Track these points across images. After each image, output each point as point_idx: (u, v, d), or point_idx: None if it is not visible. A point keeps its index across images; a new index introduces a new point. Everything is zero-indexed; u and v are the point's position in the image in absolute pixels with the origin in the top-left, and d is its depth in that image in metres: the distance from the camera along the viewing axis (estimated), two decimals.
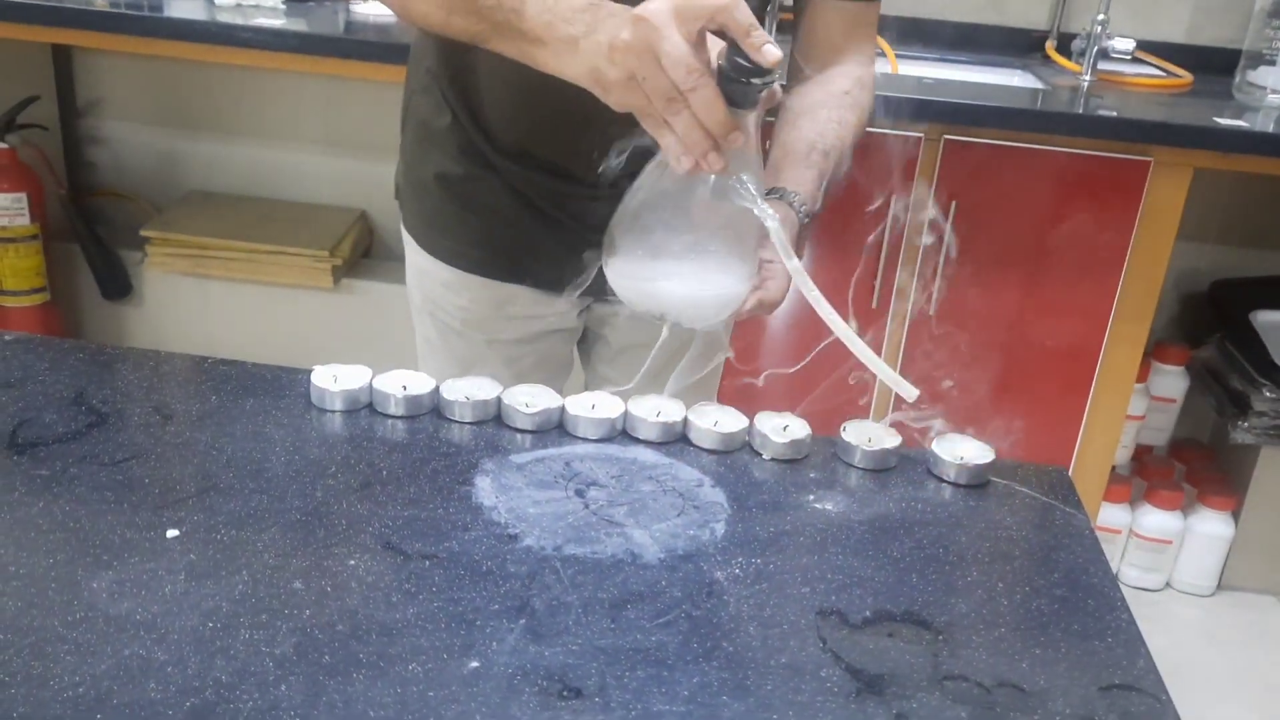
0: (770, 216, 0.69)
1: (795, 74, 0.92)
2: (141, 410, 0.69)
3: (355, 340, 2.02)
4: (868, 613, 0.56)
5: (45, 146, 2.03)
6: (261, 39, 1.64)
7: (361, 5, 1.88)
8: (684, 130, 0.64)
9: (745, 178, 0.68)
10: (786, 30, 0.97)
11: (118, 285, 2.04)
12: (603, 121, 0.68)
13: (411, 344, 1.11)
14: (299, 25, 1.73)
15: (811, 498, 0.67)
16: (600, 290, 1.01)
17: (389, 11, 1.83)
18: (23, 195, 1.91)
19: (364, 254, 2.16)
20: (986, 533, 0.65)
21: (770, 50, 0.62)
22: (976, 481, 0.70)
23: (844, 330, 0.70)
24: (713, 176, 0.68)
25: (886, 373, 0.69)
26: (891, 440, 0.71)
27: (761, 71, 0.63)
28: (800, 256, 0.78)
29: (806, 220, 0.80)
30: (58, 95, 2.13)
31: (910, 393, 0.70)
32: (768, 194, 0.79)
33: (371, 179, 2.14)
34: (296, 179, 2.17)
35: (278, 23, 1.70)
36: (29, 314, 2.00)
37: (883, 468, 0.70)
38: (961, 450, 0.70)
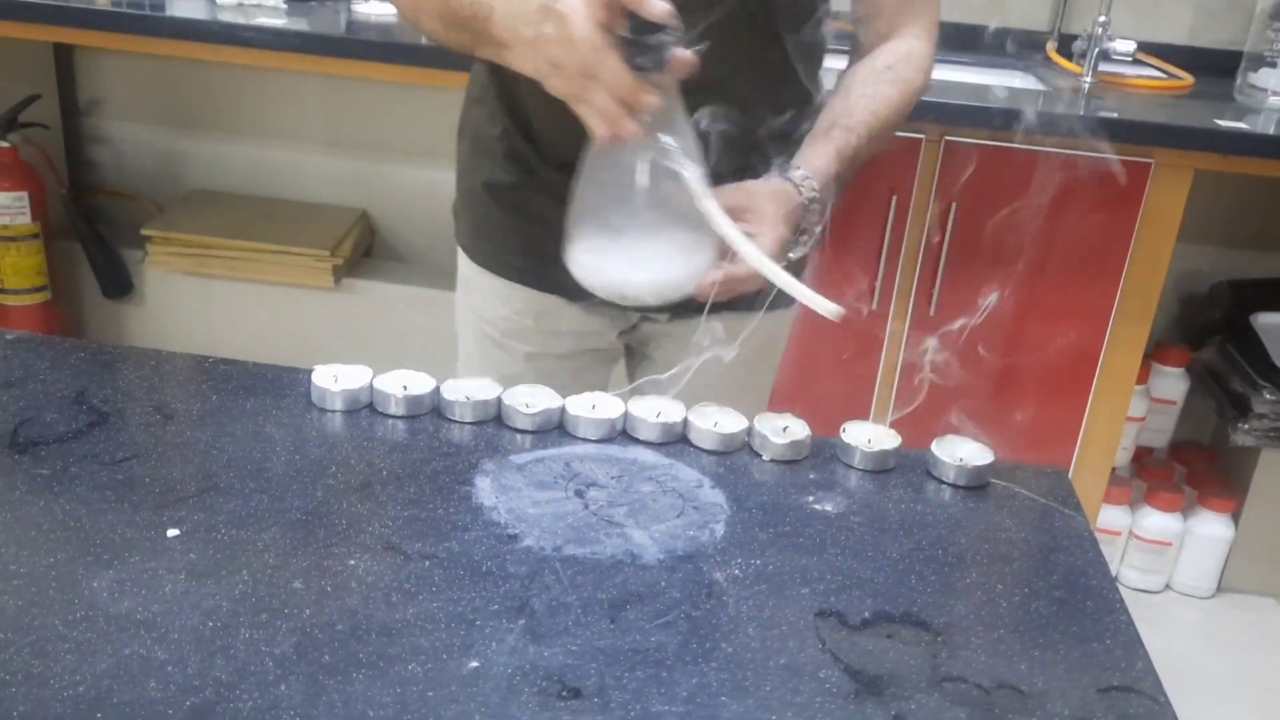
0: (687, 166, 0.69)
1: (854, 51, 0.92)
2: (142, 410, 0.69)
3: (356, 340, 2.02)
4: (867, 614, 0.57)
5: (47, 145, 2.03)
6: (263, 38, 1.64)
7: (363, 5, 1.88)
8: (599, 103, 0.67)
9: (665, 138, 0.69)
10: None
11: (119, 284, 2.04)
12: None
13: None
14: (300, 25, 1.73)
15: (811, 499, 0.67)
16: (650, 308, 1.01)
17: (390, 11, 1.83)
18: (24, 194, 1.91)
19: (365, 253, 2.16)
20: (985, 534, 0.65)
21: (654, 4, 0.64)
22: (976, 483, 0.70)
23: (752, 252, 0.71)
24: (644, 146, 0.69)
25: (802, 292, 0.70)
26: (891, 441, 0.71)
27: (655, 28, 0.65)
28: (811, 234, 0.78)
29: (814, 195, 0.80)
30: (59, 94, 2.14)
31: (831, 309, 0.69)
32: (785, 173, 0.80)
33: (373, 178, 2.14)
34: (298, 178, 2.17)
35: (279, 22, 1.70)
36: (30, 313, 2.00)
37: (882, 469, 0.70)
38: (961, 452, 0.70)
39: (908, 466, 0.71)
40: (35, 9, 1.69)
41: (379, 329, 1.99)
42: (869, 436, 0.71)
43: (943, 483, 0.70)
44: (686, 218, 0.72)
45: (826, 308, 0.69)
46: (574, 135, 0.90)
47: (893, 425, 0.73)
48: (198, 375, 0.75)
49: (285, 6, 1.79)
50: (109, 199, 2.20)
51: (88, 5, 1.69)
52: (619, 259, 0.74)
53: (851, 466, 0.71)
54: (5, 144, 1.92)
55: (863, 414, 1.85)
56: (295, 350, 1.96)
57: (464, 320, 1.05)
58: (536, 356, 1.00)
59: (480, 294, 1.01)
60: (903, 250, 1.77)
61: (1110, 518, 2.02)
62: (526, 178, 0.94)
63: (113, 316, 2.11)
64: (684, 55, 0.68)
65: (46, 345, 0.76)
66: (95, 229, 2.03)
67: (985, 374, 1.86)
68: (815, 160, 0.82)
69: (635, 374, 1.09)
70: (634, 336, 1.04)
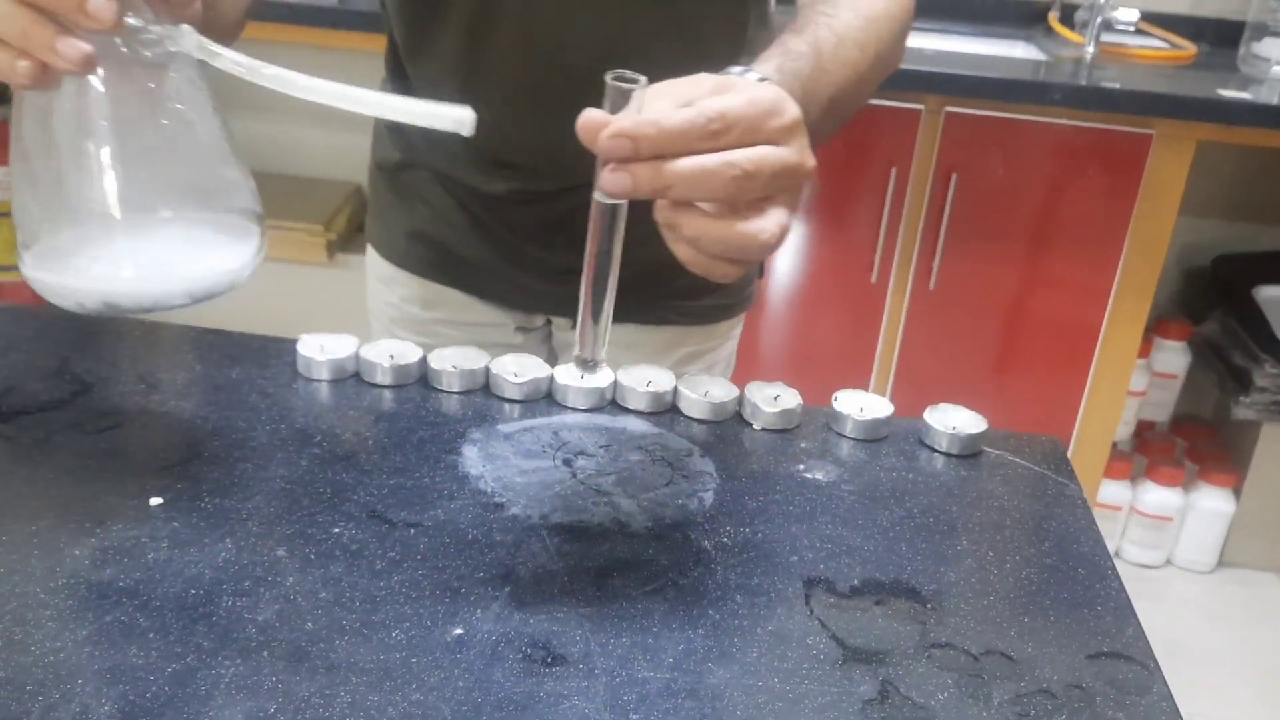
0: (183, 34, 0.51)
1: None
2: (126, 379, 0.68)
3: (349, 314, 2.00)
4: (856, 581, 0.56)
5: None
6: (254, 9, 1.62)
7: None
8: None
9: (133, 18, 0.50)
10: None
11: None
12: (549, 101, 0.61)
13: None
14: None
15: (801, 467, 0.66)
16: (549, 310, 0.93)
17: None
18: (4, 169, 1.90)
19: (359, 228, 2.15)
20: (978, 502, 0.65)
21: None
22: (969, 451, 0.69)
23: (326, 88, 0.51)
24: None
25: (420, 109, 0.49)
26: (884, 410, 0.70)
27: None
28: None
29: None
30: None
31: (462, 121, 0.49)
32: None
33: (366, 152, 2.13)
34: (290, 153, 2.16)
35: None
36: (19, 287, 2.00)
37: (874, 437, 0.70)
38: (954, 420, 0.70)
39: (900, 435, 0.71)
40: None
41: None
42: (861, 405, 0.70)
43: (935, 451, 0.69)
44: (192, 154, 0.54)
45: (458, 119, 0.49)
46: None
47: (894, 395, 0.72)
48: (183, 345, 0.74)
49: None
50: None
51: None
52: (110, 256, 0.52)
53: (843, 435, 0.70)
54: None
55: (863, 386, 1.84)
56: (287, 324, 1.94)
57: (369, 306, 1.01)
58: (430, 348, 0.87)
59: (375, 279, 0.97)
60: (902, 223, 1.76)
61: (1111, 492, 2.02)
62: (409, 156, 0.90)
63: None
64: None
65: (29, 315, 0.75)
66: None
67: (985, 347, 1.85)
68: (762, 65, 0.59)
69: None
70: (556, 339, 0.97)
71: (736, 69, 0.55)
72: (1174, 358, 2.06)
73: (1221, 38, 2.01)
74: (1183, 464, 2.06)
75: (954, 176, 1.72)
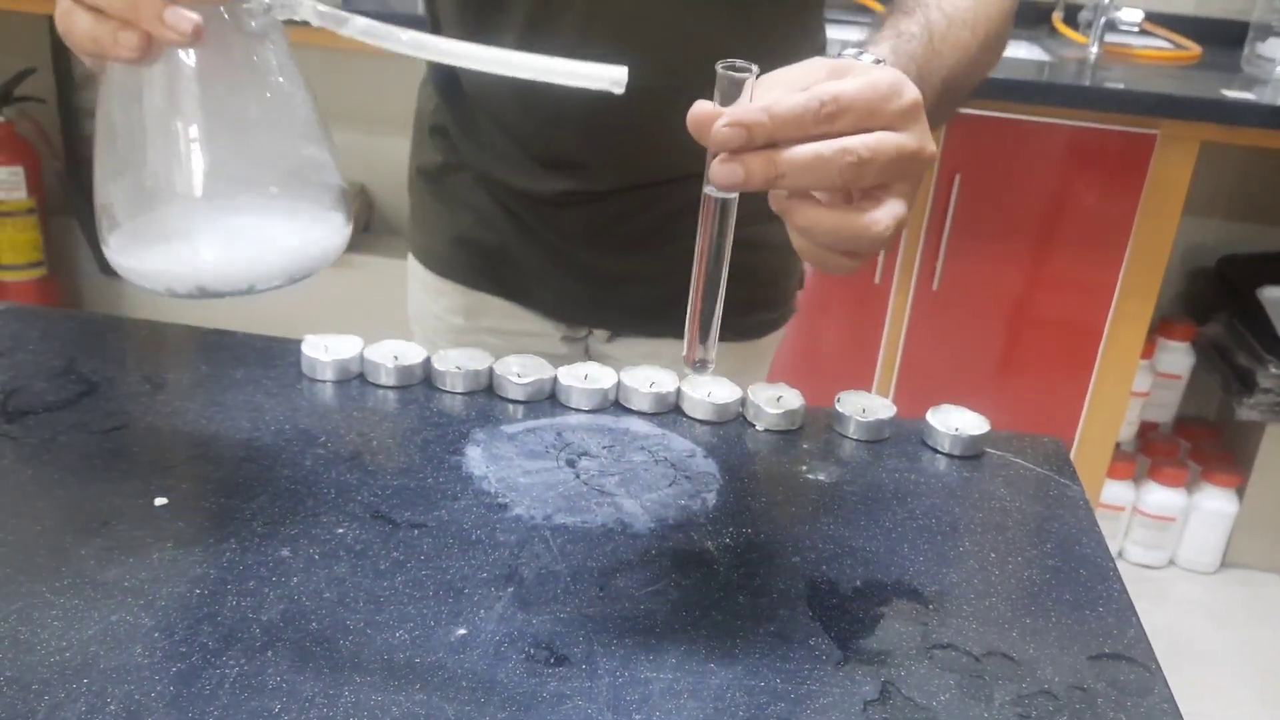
0: (316, 9, 0.49)
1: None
2: (132, 379, 0.69)
3: (355, 315, 2.01)
4: (858, 583, 0.56)
5: (42, 119, 2.02)
6: None
7: None
8: None
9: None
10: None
11: None
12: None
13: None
14: None
15: (804, 468, 0.66)
16: (595, 320, 0.90)
17: None
18: (19, 169, 1.91)
19: (364, 228, 2.15)
20: (980, 503, 0.65)
21: None
22: (971, 452, 0.69)
23: (468, 50, 0.48)
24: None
25: (570, 68, 0.47)
26: (886, 411, 0.70)
27: None
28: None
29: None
30: (55, 67, 2.13)
31: (617, 79, 0.47)
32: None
33: (372, 152, 2.13)
34: None
35: None
36: (27, 288, 2.01)
37: (877, 438, 0.70)
38: (956, 421, 0.70)
39: (903, 436, 0.71)
40: None
41: (378, 303, 1.99)
42: (864, 406, 0.71)
43: (938, 452, 0.69)
44: (288, 130, 0.52)
45: (614, 76, 0.47)
46: (512, 113, 0.78)
47: (898, 395, 0.72)
48: (188, 345, 0.74)
49: None
50: None
51: None
52: (202, 240, 0.51)
53: (846, 436, 0.70)
54: (0, 119, 1.91)
55: (866, 386, 1.85)
56: (293, 325, 1.95)
57: (411, 316, 0.99)
58: None
59: (418, 288, 0.95)
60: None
61: (1114, 493, 2.02)
62: (452, 158, 0.87)
63: (110, 291, 2.11)
64: None
65: (36, 315, 0.75)
66: (92, 203, 2.03)
67: (989, 347, 1.85)
68: (875, 46, 0.57)
69: None
70: (593, 350, 0.94)
71: (851, 50, 0.53)
72: (1178, 358, 2.06)
73: (1225, 38, 2.01)
74: (1186, 465, 2.06)
75: (957, 177, 1.72)
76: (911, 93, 0.47)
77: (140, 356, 0.72)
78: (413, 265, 0.96)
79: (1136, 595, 0.57)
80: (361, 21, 0.49)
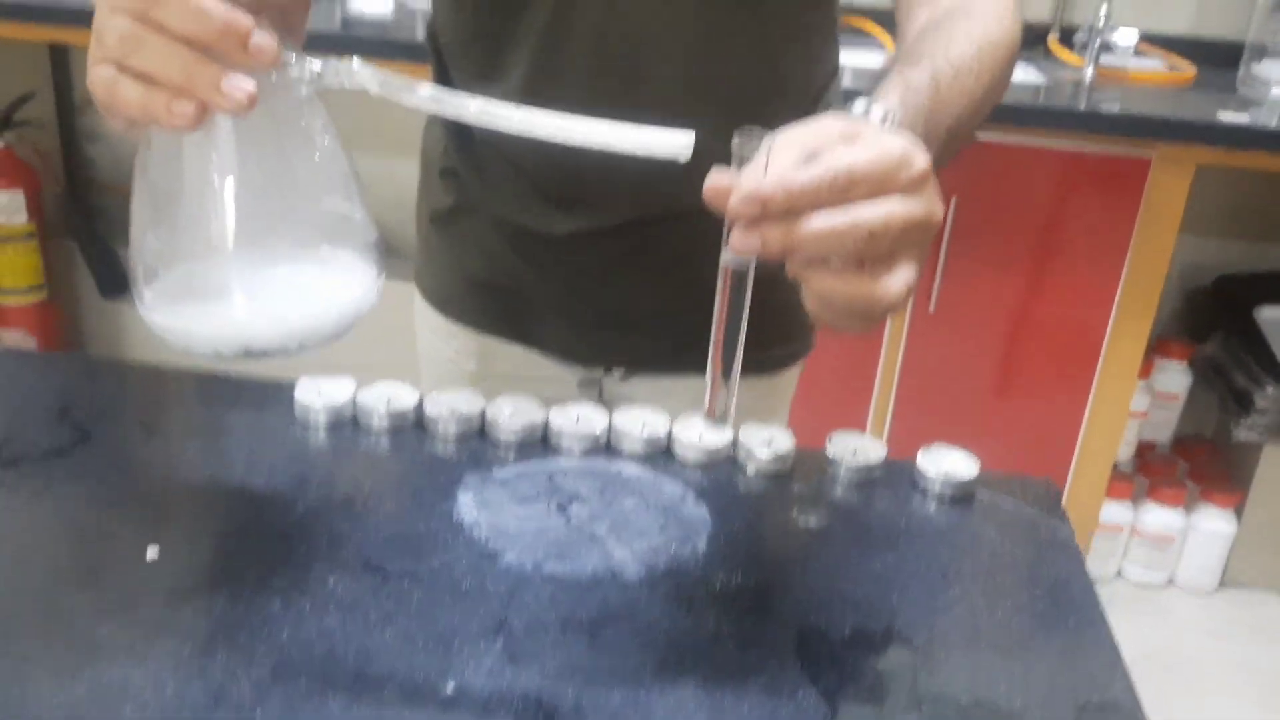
0: (341, 69, 0.49)
1: (899, 36, 0.73)
2: (126, 426, 0.69)
3: (355, 342, 2.02)
4: (848, 631, 0.56)
5: (42, 143, 2.03)
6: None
7: (357, 1, 1.88)
8: (165, 51, 0.45)
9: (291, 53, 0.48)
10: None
11: (116, 283, 2.05)
12: (622, 119, 0.61)
13: (412, 347, 1.10)
14: None
15: (795, 513, 0.67)
16: (610, 360, 0.90)
17: (385, 6, 1.82)
18: (19, 193, 1.91)
19: None
20: (970, 549, 0.65)
21: None
22: (961, 495, 0.69)
23: (534, 120, 0.49)
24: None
25: (636, 136, 0.49)
26: (877, 453, 0.71)
27: None
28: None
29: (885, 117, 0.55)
30: (55, 92, 2.14)
31: (683, 146, 0.48)
32: None
33: (372, 177, 2.13)
34: None
35: None
36: (27, 313, 2.01)
37: (868, 481, 0.70)
38: (947, 463, 0.70)
39: (894, 478, 0.71)
40: (31, 9, 1.69)
41: (379, 331, 1.99)
42: (855, 447, 0.71)
43: (928, 495, 0.69)
44: (325, 190, 0.53)
45: (676, 143, 0.48)
46: (524, 151, 0.75)
47: (895, 418, 0.72)
48: (183, 390, 0.75)
49: None
50: (106, 197, 2.21)
51: (82, 4, 1.68)
52: (240, 298, 0.51)
53: (837, 479, 0.70)
54: (0, 143, 1.92)
55: (863, 409, 1.85)
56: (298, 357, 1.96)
57: (420, 356, 0.98)
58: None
59: (428, 332, 0.94)
60: None
61: (1112, 513, 2.02)
62: (463, 199, 0.87)
63: (111, 315, 2.11)
64: None
65: (31, 360, 0.76)
66: (92, 227, 2.03)
67: (986, 369, 1.85)
68: (884, 95, 0.57)
69: None
70: (608, 394, 0.94)
71: (860, 105, 0.54)
72: (1175, 378, 2.06)
73: (1221, 58, 2.01)
74: (1184, 484, 2.06)
75: (953, 200, 1.73)
76: (921, 161, 0.49)
77: (135, 402, 0.72)
78: (421, 307, 0.95)
79: (1136, 614, 0.58)
80: (427, 90, 0.50)
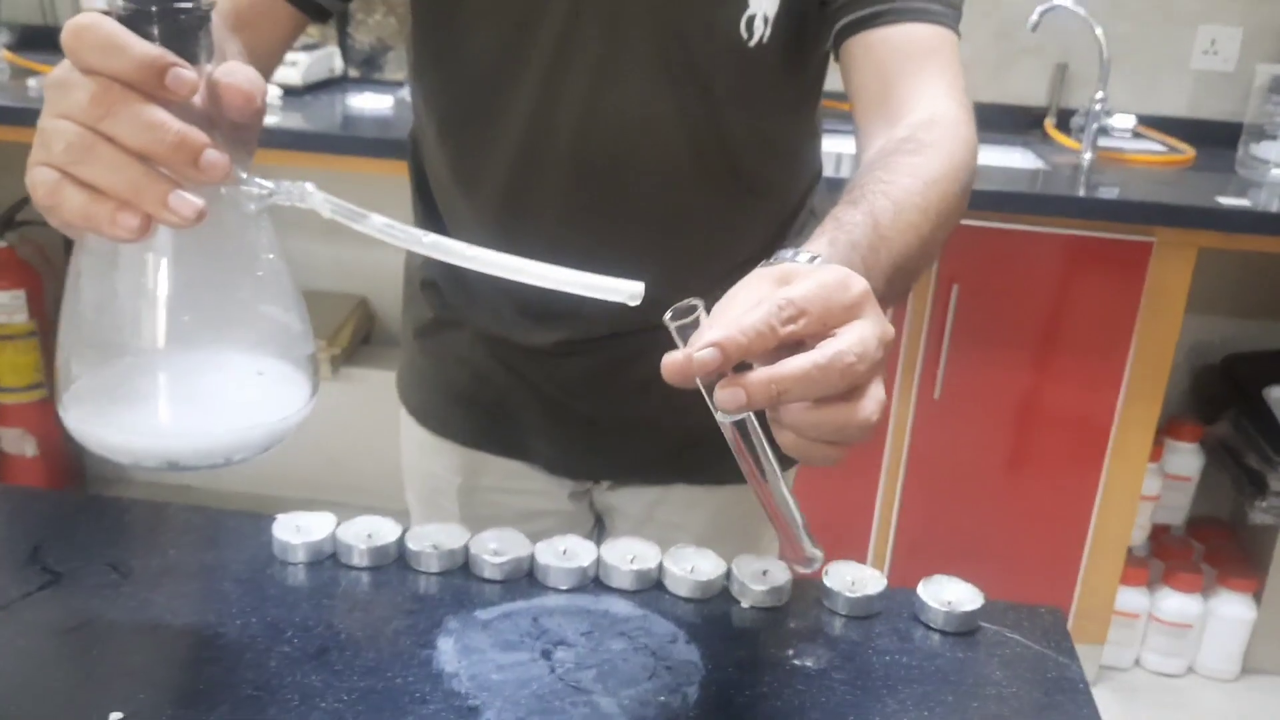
0: (285, 192, 0.49)
1: (860, 147, 0.71)
2: (97, 568, 0.67)
3: (355, 430, 2.00)
4: None
5: (44, 243, 2.04)
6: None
7: (358, 98, 1.90)
8: (116, 165, 0.43)
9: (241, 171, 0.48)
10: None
11: None
12: (602, 226, 0.60)
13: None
14: (295, 119, 1.74)
15: (791, 652, 0.64)
16: (598, 472, 0.89)
17: (385, 101, 1.84)
18: (21, 292, 1.92)
19: (364, 340, 2.15)
20: (975, 689, 0.62)
21: None
22: (965, 628, 0.66)
23: (489, 257, 0.49)
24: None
25: (588, 280, 0.49)
26: (876, 585, 0.68)
27: None
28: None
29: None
30: None
31: (633, 293, 0.48)
32: None
33: (371, 265, 2.14)
34: (295, 266, 2.17)
35: (273, 119, 1.71)
36: (27, 410, 2.00)
37: (867, 614, 0.67)
38: (949, 595, 0.67)
39: (894, 610, 0.68)
40: (32, 112, 1.70)
41: (380, 418, 1.97)
42: (853, 579, 0.68)
43: (930, 629, 0.67)
44: (266, 301, 0.52)
45: (628, 290, 0.48)
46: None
47: (903, 507, 0.70)
48: (159, 526, 0.73)
49: (279, 103, 1.80)
50: None
51: None
52: (164, 407, 0.49)
53: (835, 612, 0.68)
54: (2, 243, 1.93)
55: (870, 497, 1.81)
56: (294, 441, 1.95)
57: (405, 471, 0.97)
58: (474, 520, 0.80)
59: (414, 447, 0.93)
60: (904, 333, 1.75)
61: (1128, 600, 1.97)
62: (446, 314, 0.86)
63: None
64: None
65: (4, 496, 0.74)
66: None
67: (993, 456, 1.82)
68: (814, 245, 0.56)
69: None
70: (599, 502, 0.92)
71: (787, 252, 0.53)
72: (1187, 460, 2.03)
73: (1219, 139, 2.01)
74: (1201, 568, 2.01)
75: (955, 287, 1.72)
76: (859, 284, 0.48)
77: (108, 540, 0.70)
78: (407, 422, 0.94)
79: (1156, 705, 0.55)
80: (379, 220, 0.49)
